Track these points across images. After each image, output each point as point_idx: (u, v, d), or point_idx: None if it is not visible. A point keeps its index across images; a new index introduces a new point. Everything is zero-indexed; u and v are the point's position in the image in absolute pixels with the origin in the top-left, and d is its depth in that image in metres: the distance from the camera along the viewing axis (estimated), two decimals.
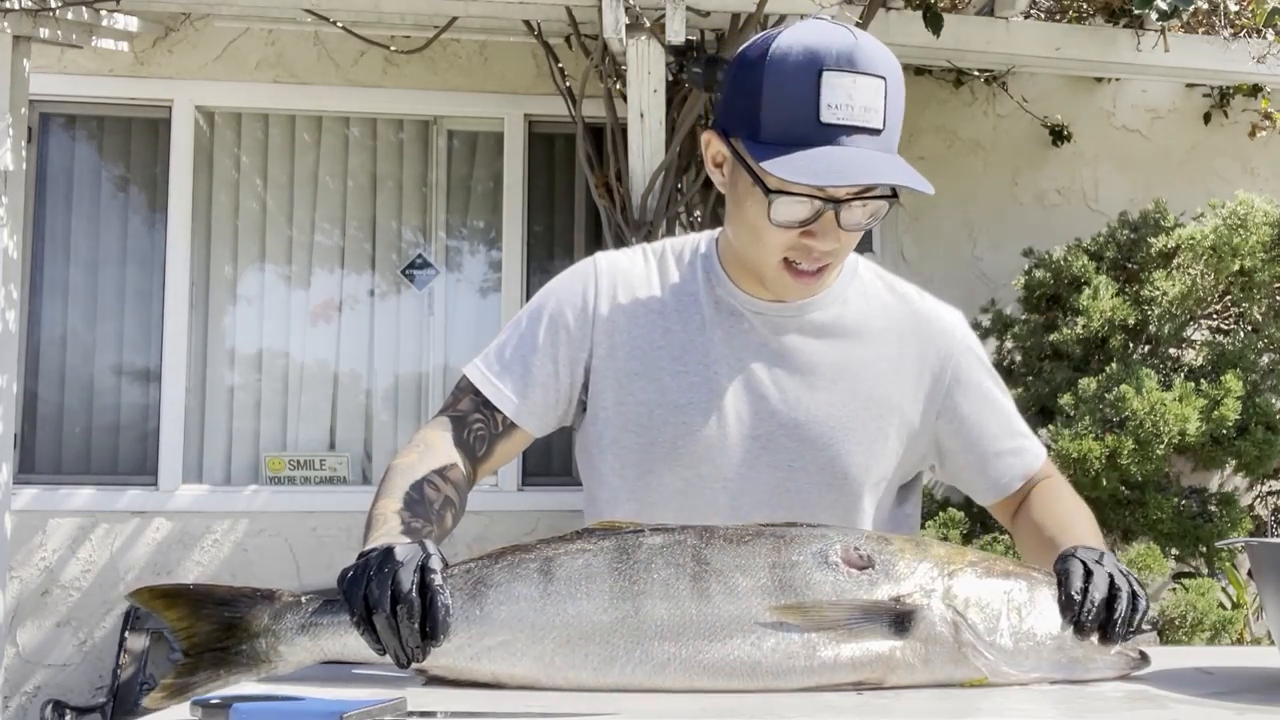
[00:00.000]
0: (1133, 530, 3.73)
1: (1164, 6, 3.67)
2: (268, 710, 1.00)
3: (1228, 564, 3.89)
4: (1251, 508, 4.16)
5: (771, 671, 1.16)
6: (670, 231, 3.91)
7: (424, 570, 1.17)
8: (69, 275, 4.67)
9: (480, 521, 4.43)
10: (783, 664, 1.16)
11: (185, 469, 4.56)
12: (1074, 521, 1.50)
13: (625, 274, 1.57)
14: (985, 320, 4.21)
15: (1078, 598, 1.22)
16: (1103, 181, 4.94)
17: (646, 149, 3.74)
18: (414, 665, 1.18)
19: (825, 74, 1.31)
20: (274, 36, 4.68)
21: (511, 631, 1.18)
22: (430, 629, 1.15)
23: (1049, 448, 3.60)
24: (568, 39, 4.30)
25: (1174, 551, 3.76)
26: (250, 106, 4.75)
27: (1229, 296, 4.00)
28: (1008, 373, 4.04)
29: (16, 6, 3.74)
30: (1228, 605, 3.76)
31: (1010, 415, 1.61)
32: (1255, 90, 4.89)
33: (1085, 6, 4.58)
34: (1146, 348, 3.94)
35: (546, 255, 4.82)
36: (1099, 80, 4.94)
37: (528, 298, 1.61)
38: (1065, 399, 3.67)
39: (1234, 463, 3.77)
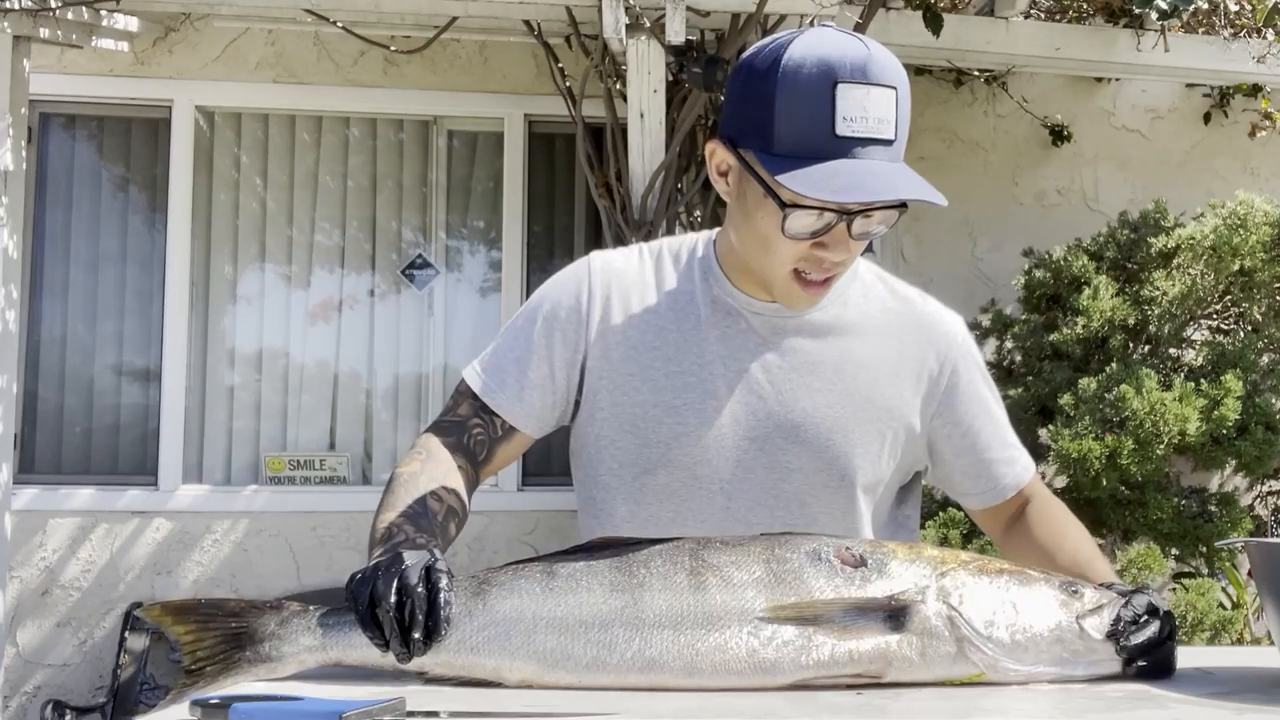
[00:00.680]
0: (1133, 530, 3.73)
1: (1164, 6, 3.67)
2: (267, 710, 1.00)
3: (1228, 564, 3.89)
4: (1251, 508, 4.16)
5: (769, 662, 1.17)
6: (670, 231, 3.90)
7: (430, 570, 1.19)
8: (69, 275, 4.67)
9: (480, 521, 4.43)
10: (779, 655, 1.17)
11: (185, 469, 4.55)
12: (1093, 559, 1.52)
13: (620, 274, 1.57)
14: (985, 320, 4.20)
15: (1131, 619, 1.23)
16: (1103, 181, 4.94)
17: (646, 149, 3.74)
18: (414, 662, 1.18)
19: (840, 86, 1.30)
20: (274, 36, 4.67)
21: (512, 622, 1.20)
22: (433, 621, 1.16)
23: (1049, 448, 3.63)
24: (568, 39, 4.30)
25: (1174, 551, 3.76)
26: (250, 106, 4.75)
27: (1229, 296, 4.00)
28: (1008, 373, 4.03)
29: (16, 6, 3.74)
30: (1228, 605, 3.76)
31: (1004, 426, 1.61)
32: (1255, 90, 4.88)
33: (1085, 6, 4.57)
34: (1146, 348, 3.94)
35: (546, 255, 4.82)
36: (1099, 80, 4.93)
37: (528, 298, 1.60)
38: (1065, 399, 3.67)
39: (1234, 463, 3.77)
